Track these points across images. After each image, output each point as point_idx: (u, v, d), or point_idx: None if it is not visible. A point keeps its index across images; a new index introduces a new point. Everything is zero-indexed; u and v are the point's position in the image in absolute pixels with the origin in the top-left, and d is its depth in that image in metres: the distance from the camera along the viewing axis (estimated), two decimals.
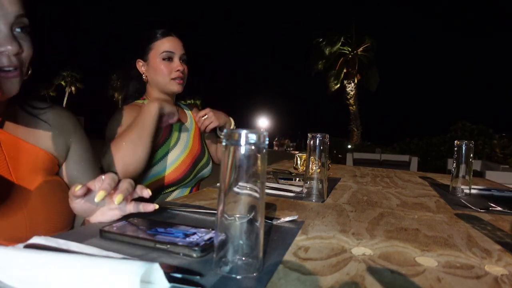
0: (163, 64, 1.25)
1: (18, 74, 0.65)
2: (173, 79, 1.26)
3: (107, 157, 1.00)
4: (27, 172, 0.72)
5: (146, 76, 1.29)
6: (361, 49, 19.93)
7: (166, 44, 1.26)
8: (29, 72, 0.71)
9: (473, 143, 1.11)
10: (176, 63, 1.26)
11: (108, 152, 1.00)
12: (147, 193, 0.63)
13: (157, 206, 0.63)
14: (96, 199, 0.55)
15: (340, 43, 19.84)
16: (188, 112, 1.44)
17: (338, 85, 20.09)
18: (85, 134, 0.89)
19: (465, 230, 0.69)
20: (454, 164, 1.12)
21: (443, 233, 0.66)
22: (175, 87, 1.27)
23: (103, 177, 0.59)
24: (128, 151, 1.00)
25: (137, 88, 1.32)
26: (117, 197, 0.57)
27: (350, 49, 20.10)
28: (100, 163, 0.99)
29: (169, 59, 1.26)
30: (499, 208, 0.91)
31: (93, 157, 0.89)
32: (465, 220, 0.78)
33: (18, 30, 0.65)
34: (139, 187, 0.63)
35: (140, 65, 1.29)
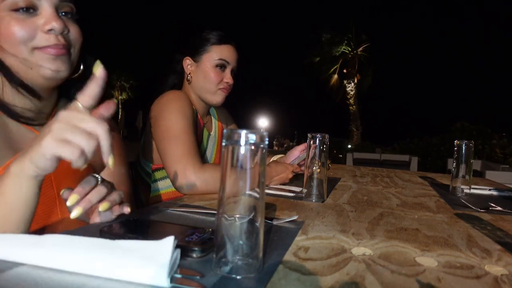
0: (215, 72, 1.17)
1: (66, 52, 0.66)
2: (220, 89, 1.19)
3: (208, 173, 0.96)
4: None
5: (192, 77, 1.21)
6: (361, 49, 19.93)
7: (225, 52, 1.19)
8: (81, 67, 0.71)
9: (473, 143, 1.11)
10: (228, 75, 1.20)
11: (211, 171, 0.96)
12: (127, 210, 0.62)
13: (129, 209, 0.62)
14: (74, 212, 0.54)
15: (340, 43, 19.85)
16: (215, 122, 1.34)
17: (336, 82, 20.10)
18: (120, 134, 0.88)
19: (465, 230, 0.69)
20: (454, 164, 1.12)
21: (443, 233, 0.66)
22: (219, 98, 1.20)
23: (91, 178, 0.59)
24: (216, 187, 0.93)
25: (174, 84, 1.25)
26: (103, 204, 0.57)
27: (350, 49, 20.10)
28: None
29: (222, 67, 1.19)
30: (499, 208, 0.91)
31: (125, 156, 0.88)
32: (465, 220, 0.78)
33: (62, 13, 0.66)
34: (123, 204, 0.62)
35: (187, 63, 1.21)
